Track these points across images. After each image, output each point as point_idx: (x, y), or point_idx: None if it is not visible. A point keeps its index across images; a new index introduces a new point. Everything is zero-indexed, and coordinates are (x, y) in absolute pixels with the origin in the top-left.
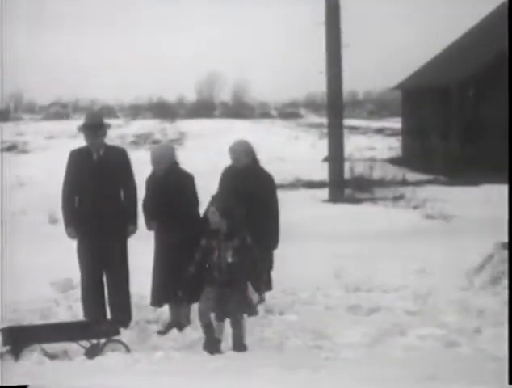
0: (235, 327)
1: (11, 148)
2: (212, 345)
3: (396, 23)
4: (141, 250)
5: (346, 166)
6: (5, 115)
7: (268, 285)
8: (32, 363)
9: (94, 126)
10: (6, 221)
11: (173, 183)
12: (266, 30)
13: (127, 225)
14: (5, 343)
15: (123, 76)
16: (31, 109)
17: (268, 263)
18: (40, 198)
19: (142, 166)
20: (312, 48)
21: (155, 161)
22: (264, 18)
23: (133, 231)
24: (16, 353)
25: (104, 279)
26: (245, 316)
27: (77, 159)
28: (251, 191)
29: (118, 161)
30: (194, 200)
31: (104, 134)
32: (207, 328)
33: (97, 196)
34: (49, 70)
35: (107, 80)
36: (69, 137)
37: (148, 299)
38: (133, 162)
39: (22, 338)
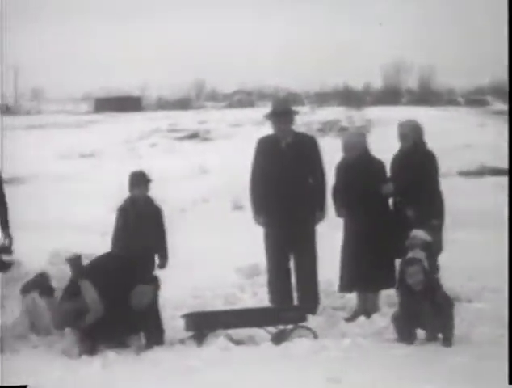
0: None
1: (193, 136)
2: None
3: None
4: (329, 237)
5: None
6: (186, 103)
7: (436, 270)
8: (217, 348)
9: (282, 113)
10: (187, 208)
11: (364, 171)
12: (449, 13)
13: (315, 211)
14: (188, 329)
15: (307, 63)
16: (214, 97)
17: (436, 246)
18: (224, 185)
19: (329, 154)
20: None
21: (347, 148)
22: (446, 2)
23: (321, 218)
24: (199, 339)
25: (291, 265)
26: None
27: (265, 147)
28: (414, 170)
29: (306, 148)
30: None
31: (292, 121)
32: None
33: (285, 182)
34: (231, 58)
35: (290, 67)
36: (254, 125)
37: (335, 285)
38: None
39: (206, 323)
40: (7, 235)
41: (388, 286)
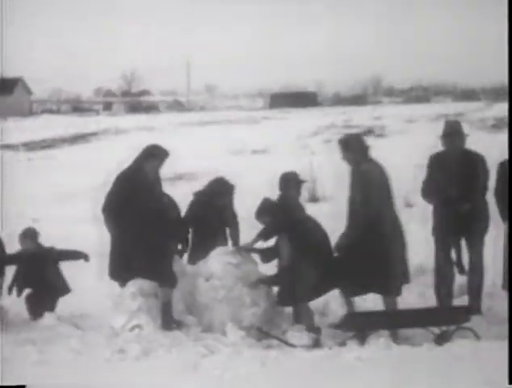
0: None
1: (368, 132)
2: None
3: None
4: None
5: None
6: (362, 99)
7: None
8: (379, 348)
9: None
10: None
11: None
12: None
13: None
14: (350, 329)
15: (485, 57)
16: (391, 93)
17: None
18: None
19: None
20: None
21: None
22: None
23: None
24: (362, 338)
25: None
26: None
27: None
28: None
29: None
30: None
31: None
32: None
33: None
34: (408, 54)
35: (467, 62)
36: (429, 121)
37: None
38: None
39: (368, 323)
40: None
41: None
